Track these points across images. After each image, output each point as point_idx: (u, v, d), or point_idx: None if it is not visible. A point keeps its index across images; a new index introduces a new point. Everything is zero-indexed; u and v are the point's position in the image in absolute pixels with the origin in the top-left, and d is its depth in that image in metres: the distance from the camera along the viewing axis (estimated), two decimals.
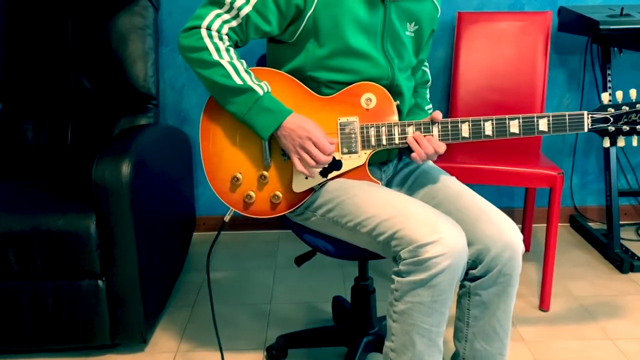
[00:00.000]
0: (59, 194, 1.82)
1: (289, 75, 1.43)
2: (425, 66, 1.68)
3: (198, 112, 2.60)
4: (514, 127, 1.38)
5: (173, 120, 2.61)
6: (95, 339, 1.73)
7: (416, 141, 1.39)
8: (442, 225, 1.24)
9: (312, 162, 1.35)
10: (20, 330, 1.71)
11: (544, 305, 2.03)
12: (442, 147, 1.38)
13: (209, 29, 1.35)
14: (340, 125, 1.41)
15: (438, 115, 1.39)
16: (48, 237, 1.64)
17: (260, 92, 1.35)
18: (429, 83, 1.71)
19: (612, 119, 1.38)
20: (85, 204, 1.69)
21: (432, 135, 1.40)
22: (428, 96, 1.70)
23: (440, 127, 1.40)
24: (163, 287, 1.99)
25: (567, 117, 1.37)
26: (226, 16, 1.36)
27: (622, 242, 2.38)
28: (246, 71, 1.37)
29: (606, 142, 1.41)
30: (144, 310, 1.74)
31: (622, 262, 2.28)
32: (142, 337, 1.76)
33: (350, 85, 1.42)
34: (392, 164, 1.56)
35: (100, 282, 1.69)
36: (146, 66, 2.16)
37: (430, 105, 1.66)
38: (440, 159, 2.07)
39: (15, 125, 2.17)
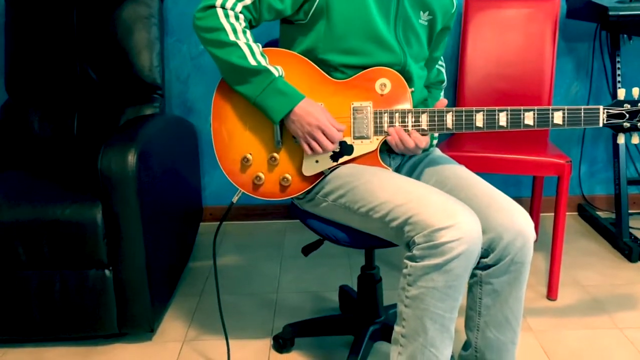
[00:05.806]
0: (66, 184, 1.82)
1: (304, 58, 1.42)
2: (442, 66, 1.66)
3: (204, 102, 2.59)
4: (529, 119, 1.36)
5: (179, 111, 2.60)
6: (103, 328, 1.74)
7: (397, 135, 1.38)
8: (457, 210, 1.23)
9: (320, 150, 1.36)
10: (28, 320, 1.72)
11: (551, 294, 2.02)
12: (422, 141, 1.38)
13: (223, 7, 1.35)
14: (353, 110, 1.41)
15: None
16: (55, 226, 1.64)
17: (276, 74, 1.35)
18: (444, 84, 1.68)
19: (627, 115, 1.34)
20: (91, 194, 1.69)
21: (421, 125, 1.38)
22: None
23: (454, 115, 1.38)
24: (170, 277, 2.00)
25: (582, 111, 1.34)
26: None
27: (631, 231, 2.36)
28: (262, 54, 1.37)
29: (620, 139, 1.38)
30: (152, 299, 1.74)
31: (631, 251, 2.26)
32: (150, 326, 1.77)
33: (366, 70, 1.41)
34: None
35: (107, 272, 1.69)
36: (151, 56, 2.16)
37: None
38: (448, 147, 2.07)
39: (22, 116, 2.17)
